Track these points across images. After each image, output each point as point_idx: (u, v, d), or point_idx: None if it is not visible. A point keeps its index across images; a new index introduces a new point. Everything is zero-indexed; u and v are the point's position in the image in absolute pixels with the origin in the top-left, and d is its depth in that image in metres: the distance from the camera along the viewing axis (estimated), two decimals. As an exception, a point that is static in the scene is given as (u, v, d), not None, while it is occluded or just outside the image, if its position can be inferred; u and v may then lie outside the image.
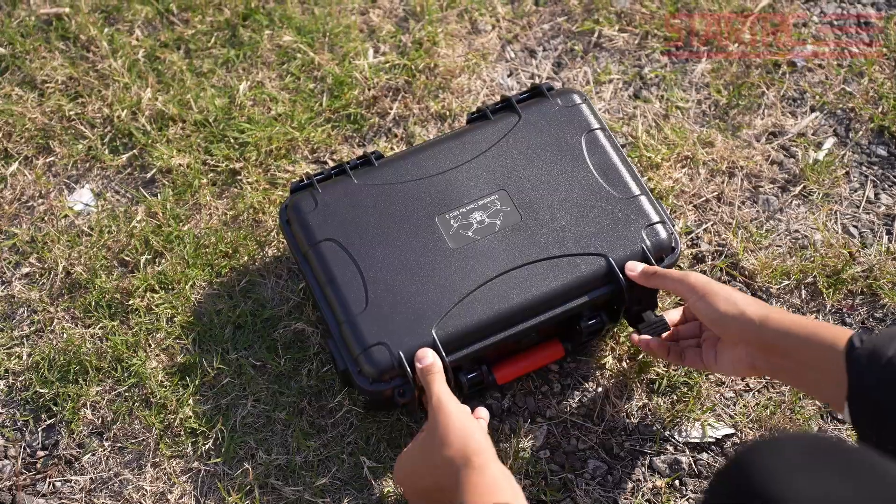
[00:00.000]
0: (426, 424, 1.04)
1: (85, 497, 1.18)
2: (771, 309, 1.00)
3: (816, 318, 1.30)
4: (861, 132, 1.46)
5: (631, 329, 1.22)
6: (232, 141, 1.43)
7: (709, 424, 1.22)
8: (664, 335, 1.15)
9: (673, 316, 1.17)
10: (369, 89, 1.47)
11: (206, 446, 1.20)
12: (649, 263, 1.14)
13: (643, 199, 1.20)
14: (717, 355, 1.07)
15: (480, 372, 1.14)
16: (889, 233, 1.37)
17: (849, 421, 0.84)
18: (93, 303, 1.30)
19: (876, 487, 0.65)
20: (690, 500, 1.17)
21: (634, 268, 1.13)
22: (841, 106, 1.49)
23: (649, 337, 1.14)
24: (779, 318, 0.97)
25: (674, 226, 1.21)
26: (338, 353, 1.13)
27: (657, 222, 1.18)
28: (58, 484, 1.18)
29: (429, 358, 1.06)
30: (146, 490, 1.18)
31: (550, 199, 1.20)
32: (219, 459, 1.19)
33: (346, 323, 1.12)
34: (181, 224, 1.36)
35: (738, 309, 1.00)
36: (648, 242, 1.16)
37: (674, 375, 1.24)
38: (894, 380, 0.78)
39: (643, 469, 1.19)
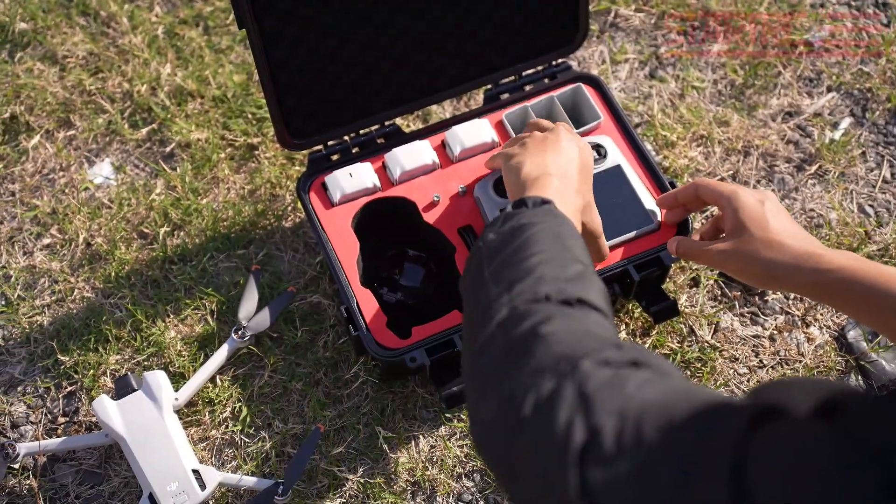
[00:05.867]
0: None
1: (104, 463, 1.19)
2: (817, 250, 0.91)
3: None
4: (878, 112, 1.46)
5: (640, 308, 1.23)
6: (250, 116, 1.45)
7: (722, 399, 1.22)
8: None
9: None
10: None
11: (224, 415, 1.21)
12: None
13: None
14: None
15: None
16: (904, 212, 1.37)
17: None
18: (112, 274, 1.32)
19: None
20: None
21: (671, 244, 1.08)
22: (858, 86, 1.49)
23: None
24: (836, 267, 0.89)
25: None
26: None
27: None
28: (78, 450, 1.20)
29: None
30: (164, 457, 1.19)
31: None
32: (236, 428, 1.21)
33: None
34: (200, 197, 1.38)
35: (777, 274, 0.93)
36: None
37: (688, 351, 1.25)
38: None
39: (656, 443, 1.20)
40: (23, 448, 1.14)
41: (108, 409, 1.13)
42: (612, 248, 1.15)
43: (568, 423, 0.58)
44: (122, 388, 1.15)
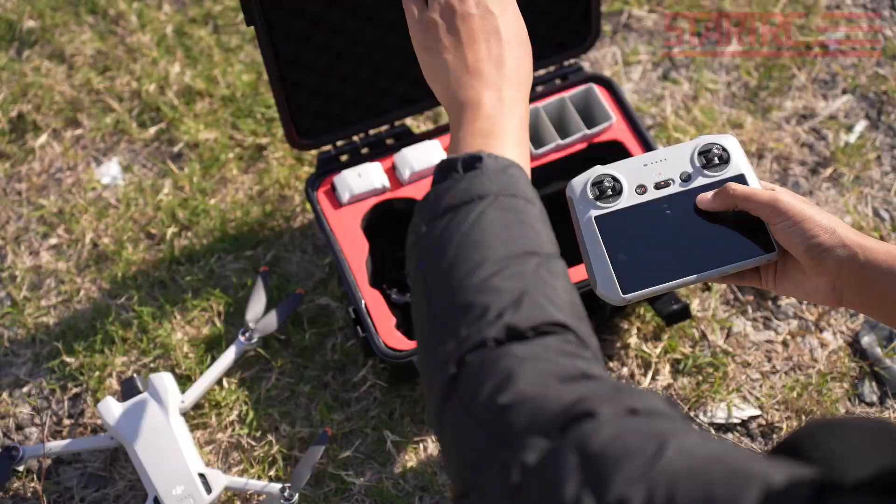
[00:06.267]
0: None
1: (109, 465, 1.18)
2: (868, 238, 0.84)
3: (845, 301, 1.28)
4: (893, 115, 1.44)
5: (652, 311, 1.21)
6: (259, 116, 1.44)
7: (734, 405, 1.21)
8: None
9: None
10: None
11: (231, 418, 1.20)
12: None
13: None
14: (783, 279, 0.89)
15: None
16: (920, 217, 1.35)
17: None
18: (119, 274, 1.31)
19: None
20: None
21: (705, 196, 0.87)
22: (873, 89, 1.47)
23: None
24: (883, 255, 0.82)
25: None
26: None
27: None
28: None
29: None
30: (170, 460, 1.18)
31: None
32: (243, 431, 1.19)
33: None
34: (207, 198, 1.37)
35: (838, 240, 0.83)
36: None
37: (699, 356, 1.23)
38: None
39: (667, 449, 1.18)
40: (28, 450, 1.13)
41: (114, 412, 1.12)
42: (723, 278, 0.90)
43: (576, 499, 0.51)
44: (128, 391, 1.14)
